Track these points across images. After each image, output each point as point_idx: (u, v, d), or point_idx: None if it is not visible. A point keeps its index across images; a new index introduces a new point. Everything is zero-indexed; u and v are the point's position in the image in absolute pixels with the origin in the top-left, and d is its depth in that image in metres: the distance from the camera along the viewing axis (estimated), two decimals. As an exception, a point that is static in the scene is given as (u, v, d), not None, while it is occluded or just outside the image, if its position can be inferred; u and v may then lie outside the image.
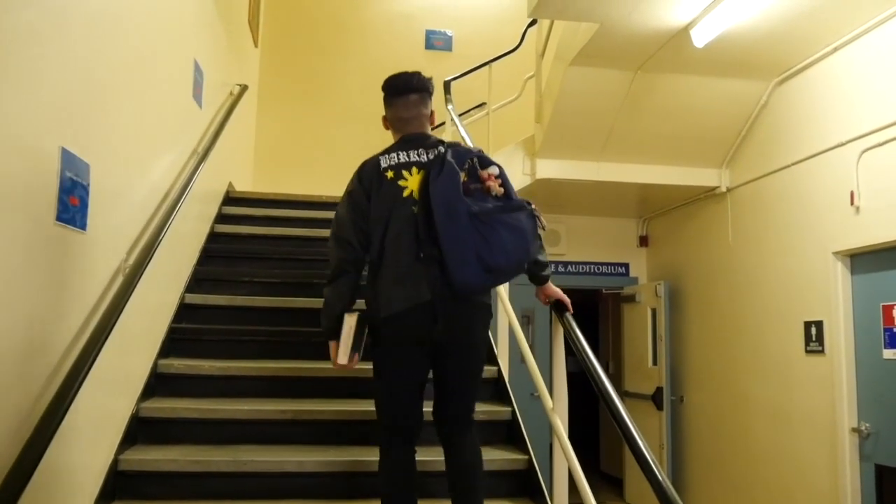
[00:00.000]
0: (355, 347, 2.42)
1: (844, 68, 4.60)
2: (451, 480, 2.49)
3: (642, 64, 4.97)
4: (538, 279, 2.65)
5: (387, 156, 2.52)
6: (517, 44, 6.10)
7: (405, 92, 2.58)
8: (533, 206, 2.44)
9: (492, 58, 5.98)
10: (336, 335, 2.43)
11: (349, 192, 2.52)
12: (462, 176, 2.35)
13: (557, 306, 2.70)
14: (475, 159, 2.45)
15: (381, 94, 2.63)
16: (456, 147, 2.47)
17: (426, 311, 2.34)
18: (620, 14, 4.25)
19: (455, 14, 7.78)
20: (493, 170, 2.45)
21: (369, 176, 2.49)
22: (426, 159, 2.47)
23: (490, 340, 2.70)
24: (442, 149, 2.44)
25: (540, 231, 2.46)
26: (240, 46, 5.71)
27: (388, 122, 2.65)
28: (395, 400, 2.46)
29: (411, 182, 2.44)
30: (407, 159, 2.49)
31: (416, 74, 2.62)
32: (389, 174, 2.46)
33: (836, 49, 4.63)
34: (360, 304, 2.51)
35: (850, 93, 4.54)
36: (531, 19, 5.84)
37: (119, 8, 2.66)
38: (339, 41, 7.46)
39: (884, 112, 4.24)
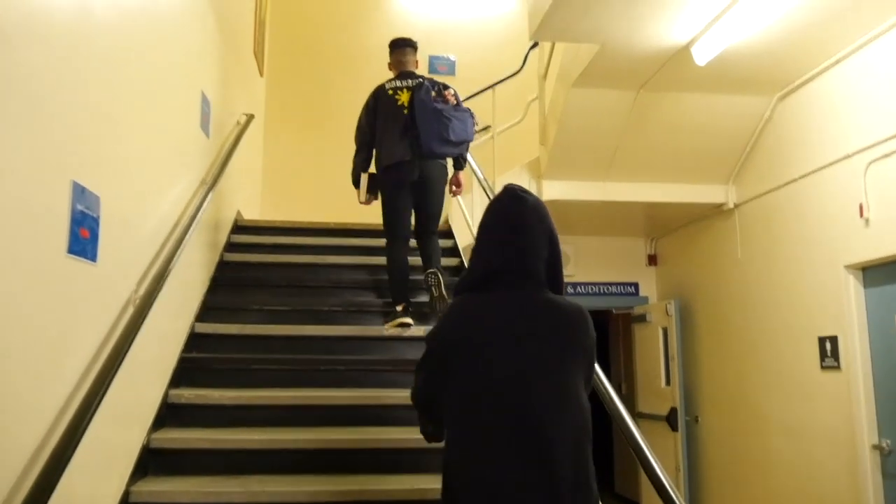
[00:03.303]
0: (369, 192, 4.29)
1: (846, 81, 4.61)
2: (423, 258, 4.23)
3: (644, 83, 4.99)
4: (460, 164, 4.37)
5: (390, 82, 4.29)
6: (520, 66, 6.13)
7: (403, 46, 4.45)
8: (472, 112, 4.19)
9: (495, 81, 6.01)
10: (358, 185, 4.29)
11: (365, 104, 4.30)
12: (433, 93, 4.07)
13: None
14: (440, 86, 4.18)
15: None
16: (430, 79, 4.20)
17: (408, 165, 4.05)
18: (621, 35, 4.28)
19: (458, 39, 7.85)
20: (451, 90, 4.19)
21: (378, 94, 4.27)
22: (412, 85, 4.17)
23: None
24: (421, 80, 4.17)
25: (476, 125, 4.23)
26: (246, 76, 5.77)
27: (392, 64, 4.45)
28: (394, 218, 4.16)
29: (403, 97, 4.17)
30: (401, 85, 4.24)
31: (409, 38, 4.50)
32: (390, 92, 4.22)
33: (837, 62, 4.64)
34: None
35: (854, 105, 4.54)
36: (533, 42, 5.89)
37: (128, 42, 2.68)
38: (343, 69, 7.52)
39: (889, 123, 4.23)
